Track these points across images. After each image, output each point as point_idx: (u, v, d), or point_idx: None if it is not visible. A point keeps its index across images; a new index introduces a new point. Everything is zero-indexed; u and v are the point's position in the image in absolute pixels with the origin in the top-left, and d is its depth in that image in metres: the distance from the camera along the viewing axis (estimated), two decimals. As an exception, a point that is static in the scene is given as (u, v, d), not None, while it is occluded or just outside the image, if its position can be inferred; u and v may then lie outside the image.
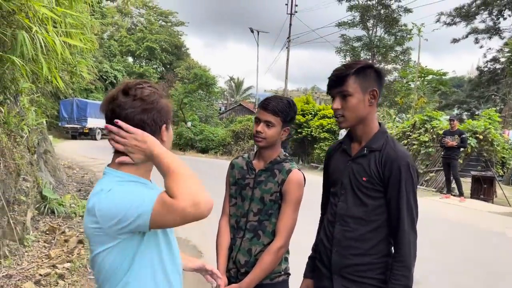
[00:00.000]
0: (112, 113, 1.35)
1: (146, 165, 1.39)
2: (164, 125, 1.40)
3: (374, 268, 1.74)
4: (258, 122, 2.11)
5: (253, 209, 2.13)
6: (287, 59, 25.57)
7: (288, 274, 2.20)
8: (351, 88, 1.74)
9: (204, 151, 23.64)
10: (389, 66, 28.10)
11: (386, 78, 37.22)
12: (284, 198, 2.09)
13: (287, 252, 2.19)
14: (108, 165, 1.40)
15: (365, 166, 1.75)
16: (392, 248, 1.77)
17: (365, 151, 1.76)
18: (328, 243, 1.87)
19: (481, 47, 28.23)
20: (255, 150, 2.29)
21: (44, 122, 8.98)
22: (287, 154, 2.24)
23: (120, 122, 1.30)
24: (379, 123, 1.84)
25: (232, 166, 2.31)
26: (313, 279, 2.03)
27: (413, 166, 1.71)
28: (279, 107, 2.07)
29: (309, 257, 2.13)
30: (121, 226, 1.22)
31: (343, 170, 1.83)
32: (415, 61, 26.74)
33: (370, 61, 2.12)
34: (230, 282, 2.15)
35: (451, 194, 10.74)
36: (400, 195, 1.68)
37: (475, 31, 27.62)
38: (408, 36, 26.00)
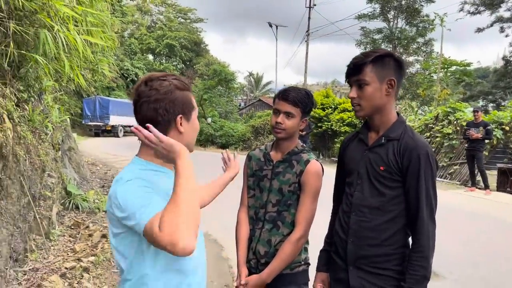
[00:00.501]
0: (134, 102, 1.45)
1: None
2: (180, 116, 1.42)
3: (390, 259, 1.72)
4: (277, 113, 2.09)
5: (271, 200, 2.13)
6: (306, 53, 25.41)
7: (308, 264, 2.20)
8: (368, 76, 1.71)
9: (224, 146, 23.72)
10: (411, 58, 27.63)
11: (408, 71, 36.84)
12: (303, 189, 2.08)
13: (307, 242, 2.20)
14: (136, 155, 1.49)
15: (383, 155, 1.72)
16: (410, 238, 1.74)
17: (382, 140, 1.73)
18: (343, 234, 1.85)
19: (506, 36, 27.48)
20: (272, 142, 2.28)
21: (68, 119, 9.16)
22: (304, 145, 2.23)
23: (151, 127, 1.33)
24: (397, 113, 1.81)
25: (249, 158, 2.32)
26: (327, 272, 2.01)
27: (432, 156, 1.67)
28: (299, 97, 2.06)
29: (321, 250, 2.11)
30: (125, 223, 1.30)
31: (360, 159, 1.81)
32: (437, 52, 26.19)
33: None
34: (250, 273, 2.16)
35: (476, 187, 10.50)
36: (419, 184, 1.65)
37: (500, 19, 26.84)
38: (430, 26, 25.48)
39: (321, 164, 2.15)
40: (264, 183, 2.17)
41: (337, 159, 2.20)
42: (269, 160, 2.19)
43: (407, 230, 1.73)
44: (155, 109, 1.39)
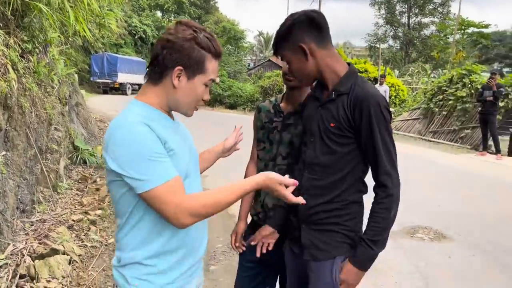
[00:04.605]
0: None
1: (164, 100, 1.38)
2: (180, 68, 1.32)
3: (341, 214, 1.67)
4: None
5: (281, 153, 2.05)
6: (319, 8, 24.60)
7: None
8: (283, 55, 1.73)
9: (232, 107, 23.59)
10: (426, 20, 26.73)
11: (422, 33, 35.76)
12: None
13: None
14: (136, 97, 1.41)
15: (333, 111, 1.63)
16: (361, 197, 1.72)
17: (333, 96, 1.64)
18: (297, 192, 1.78)
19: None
20: (283, 93, 2.16)
21: (75, 75, 9.05)
22: None
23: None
24: (348, 64, 1.72)
25: (259, 109, 2.22)
26: (274, 227, 1.98)
27: (384, 105, 1.57)
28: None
29: (280, 206, 2.03)
30: (121, 172, 1.24)
31: (313, 117, 1.73)
32: (454, 14, 25.28)
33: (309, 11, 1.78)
34: (258, 225, 2.12)
35: (488, 152, 10.36)
36: (373, 137, 1.56)
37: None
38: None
39: None
40: (274, 135, 2.08)
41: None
42: (279, 111, 2.09)
43: (359, 186, 1.69)
44: (162, 48, 1.32)
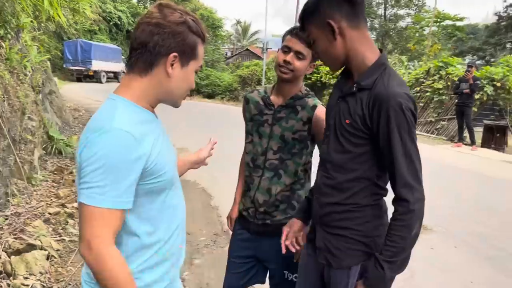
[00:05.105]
0: (137, 22, 1.24)
1: (154, 93, 1.24)
2: (175, 55, 1.20)
3: (352, 217, 1.50)
4: (287, 51, 1.87)
5: (272, 147, 1.97)
6: (297, 2, 24.55)
7: None
8: (311, 31, 1.50)
9: (210, 96, 23.35)
10: (402, 12, 27.02)
11: (398, 25, 36.24)
12: (319, 137, 1.89)
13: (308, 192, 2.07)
14: (117, 92, 1.23)
15: (351, 106, 1.45)
16: (378, 200, 1.52)
17: (354, 89, 1.45)
18: (314, 189, 1.70)
19: (501, -9, 26.92)
20: (273, 85, 2.08)
21: (48, 62, 8.72)
22: (308, 89, 2.03)
23: None
24: (380, 51, 1.50)
25: (246, 100, 2.13)
26: (301, 220, 1.81)
27: (408, 107, 1.34)
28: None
29: (305, 197, 1.91)
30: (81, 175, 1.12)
31: (332, 108, 1.57)
32: (429, 6, 25.64)
33: None
34: (248, 222, 2.07)
35: (463, 143, 10.58)
36: (392, 144, 1.35)
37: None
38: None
39: None
40: (264, 128, 2.00)
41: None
42: (270, 104, 2.00)
43: (373, 189, 1.49)
44: (152, 33, 1.17)
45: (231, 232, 2.25)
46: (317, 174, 1.64)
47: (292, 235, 1.79)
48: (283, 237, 1.79)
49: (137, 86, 1.21)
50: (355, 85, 1.45)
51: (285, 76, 1.89)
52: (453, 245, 4.37)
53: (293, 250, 1.79)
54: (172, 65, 1.21)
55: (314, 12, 1.46)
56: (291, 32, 1.88)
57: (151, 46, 1.18)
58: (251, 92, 2.17)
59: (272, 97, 2.02)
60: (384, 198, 1.54)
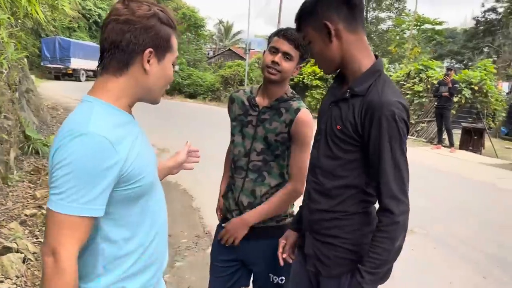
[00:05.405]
0: (104, 20, 1.17)
1: (133, 92, 1.19)
2: (151, 50, 1.15)
3: (341, 225, 1.47)
4: (275, 52, 1.85)
5: (256, 148, 1.94)
6: (280, 2, 24.63)
7: None
8: (307, 32, 1.46)
9: (192, 96, 23.19)
10: (383, 14, 27.41)
11: (379, 27, 36.74)
12: (294, 139, 1.90)
13: None
14: (91, 93, 1.17)
15: (343, 112, 1.41)
16: (367, 207, 1.49)
17: (347, 94, 1.41)
18: (304, 195, 1.67)
19: (480, -5, 27.53)
20: (259, 85, 2.06)
21: (25, 59, 8.51)
22: (294, 92, 2.02)
23: None
24: (376, 56, 1.47)
25: (231, 100, 2.10)
26: (297, 230, 1.78)
27: (401, 117, 1.31)
28: (301, 40, 1.84)
29: (299, 207, 1.86)
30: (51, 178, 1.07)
31: (325, 113, 1.54)
32: (409, 10, 26.07)
33: None
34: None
35: (442, 145, 10.78)
36: (382, 154, 1.32)
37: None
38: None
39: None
40: (248, 129, 1.97)
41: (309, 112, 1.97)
42: (255, 105, 1.98)
43: (362, 197, 1.47)
44: (122, 31, 1.12)
45: (213, 234, 2.21)
46: (307, 179, 1.62)
47: (289, 248, 1.77)
48: (280, 249, 1.77)
49: (114, 87, 1.16)
50: (348, 90, 1.42)
51: (273, 77, 1.87)
52: (433, 246, 4.42)
53: (290, 261, 1.77)
54: (148, 61, 1.16)
55: (311, 13, 1.43)
56: (278, 33, 1.87)
57: (123, 45, 1.13)
58: (237, 92, 2.14)
59: (258, 98, 2.00)
60: (374, 205, 1.52)
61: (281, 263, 1.77)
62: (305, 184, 1.82)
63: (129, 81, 1.17)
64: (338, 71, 1.54)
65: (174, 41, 1.22)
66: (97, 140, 1.03)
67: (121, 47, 1.13)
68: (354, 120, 1.37)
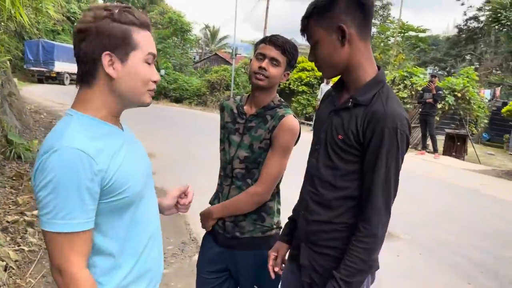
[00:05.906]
0: None
1: (111, 101, 1.16)
2: (107, 53, 1.10)
3: (340, 237, 1.46)
4: (262, 58, 1.85)
5: (239, 155, 1.93)
6: (267, 8, 24.75)
7: (280, 228, 2.04)
8: (316, 32, 1.41)
9: (178, 100, 23.06)
10: (368, 21, 27.78)
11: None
12: (272, 144, 1.88)
13: (279, 203, 2.03)
14: (74, 106, 1.16)
15: (345, 121, 1.40)
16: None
17: (349, 104, 1.40)
18: (299, 205, 1.66)
19: (462, 4, 27.91)
20: (248, 94, 2.05)
21: (8, 62, 8.36)
22: (281, 100, 2.01)
23: None
24: (378, 68, 1.45)
25: (222, 108, 2.09)
26: (287, 243, 1.77)
27: (403, 131, 1.32)
28: (288, 46, 1.84)
29: (288, 218, 1.86)
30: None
31: (324, 122, 1.51)
32: (394, 17, 26.45)
33: None
34: (216, 232, 2.01)
35: (426, 151, 10.92)
36: (377, 164, 1.33)
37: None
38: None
39: (299, 122, 1.95)
40: (235, 137, 1.96)
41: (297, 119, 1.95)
42: (242, 113, 1.97)
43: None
44: (79, 41, 1.10)
45: (199, 241, 2.18)
46: (303, 189, 1.59)
47: (280, 261, 1.76)
48: (270, 262, 1.75)
49: (91, 98, 1.14)
50: (350, 100, 1.41)
51: (260, 83, 1.87)
52: (418, 252, 4.46)
53: (280, 273, 1.76)
54: (111, 65, 1.11)
55: (325, 14, 1.38)
56: (265, 40, 1.88)
57: (82, 56, 1.11)
58: (227, 99, 2.13)
59: (246, 107, 1.99)
60: None
61: (272, 276, 1.75)
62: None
63: (102, 90, 1.14)
64: (338, 78, 1.52)
65: (139, 37, 1.14)
66: (71, 153, 1.02)
67: (81, 58, 1.12)
68: (356, 130, 1.37)
